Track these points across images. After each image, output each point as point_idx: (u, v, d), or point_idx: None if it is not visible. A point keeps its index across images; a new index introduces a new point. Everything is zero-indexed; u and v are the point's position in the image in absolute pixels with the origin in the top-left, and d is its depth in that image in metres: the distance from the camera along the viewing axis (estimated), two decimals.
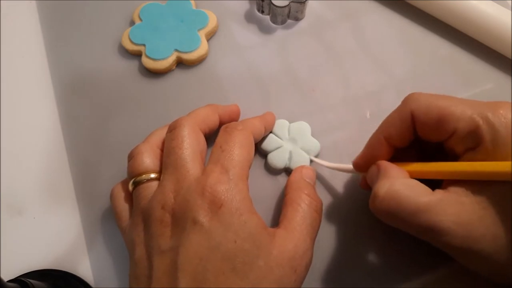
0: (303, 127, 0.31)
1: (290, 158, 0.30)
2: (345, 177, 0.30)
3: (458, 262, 0.22)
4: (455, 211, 0.20)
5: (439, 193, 0.21)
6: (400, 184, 0.21)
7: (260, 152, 0.30)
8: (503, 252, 0.20)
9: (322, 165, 0.29)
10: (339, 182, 0.30)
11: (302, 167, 0.28)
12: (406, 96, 0.24)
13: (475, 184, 0.21)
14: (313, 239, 0.25)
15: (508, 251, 0.20)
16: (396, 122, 0.24)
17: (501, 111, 0.20)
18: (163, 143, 0.27)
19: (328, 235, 0.28)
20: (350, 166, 0.27)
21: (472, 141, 0.21)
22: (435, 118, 0.22)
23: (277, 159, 0.30)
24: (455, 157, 0.23)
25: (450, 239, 0.20)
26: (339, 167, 0.28)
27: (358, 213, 0.29)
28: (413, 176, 0.23)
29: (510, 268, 0.20)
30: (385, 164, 0.23)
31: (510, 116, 0.20)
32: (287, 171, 0.30)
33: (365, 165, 0.25)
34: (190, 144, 0.25)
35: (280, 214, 0.25)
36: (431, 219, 0.20)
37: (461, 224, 0.20)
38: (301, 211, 0.25)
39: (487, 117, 0.21)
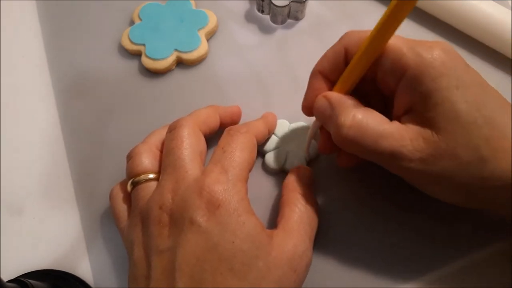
0: (302, 128, 0.30)
1: (286, 159, 0.30)
2: (342, 177, 0.30)
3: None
4: (412, 136, 0.22)
5: (395, 122, 0.23)
6: (362, 113, 0.23)
7: (259, 151, 0.30)
8: (462, 171, 0.21)
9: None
10: (336, 182, 0.30)
11: (299, 167, 0.28)
12: (343, 34, 0.25)
13: (423, 115, 0.22)
14: (312, 239, 0.25)
15: (468, 169, 0.21)
16: (329, 56, 0.25)
17: (428, 44, 0.22)
18: (162, 143, 0.27)
19: (327, 234, 0.28)
20: (316, 124, 0.27)
21: (399, 71, 0.22)
22: None
23: (274, 160, 0.30)
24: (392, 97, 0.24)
25: (409, 163, 0.22)
26: (310, 133, 0.28)
27: (356, 212, 0.29)
28: (349, 88, 0.24)
29: (472, 187, 0.22)
30: (334, 95, 0.24)
31: (439, 51, 0.22)
32: (284, 171, 0.30)
33: (311, 106, 0.26)
34: (190, 145, 0.25)
35: (278, 215, 0.25)
36: (393, 144, 0.22)
37: (418, 149, 0.22)
38: (298, 212, 0.25)
39: (413, 47, 0.22)
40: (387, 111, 0.24)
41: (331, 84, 0.25)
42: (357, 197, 0.29)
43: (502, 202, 0.22)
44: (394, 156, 0.22)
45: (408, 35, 0.23)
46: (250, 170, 0.25)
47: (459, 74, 0.22)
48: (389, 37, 0.22)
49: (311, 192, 0.27)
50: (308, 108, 0.26)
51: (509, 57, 0.33)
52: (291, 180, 0.27)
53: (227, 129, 0.26)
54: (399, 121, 0.23)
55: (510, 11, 0.32)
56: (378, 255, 0.27)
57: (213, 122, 0.28)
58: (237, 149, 0.24)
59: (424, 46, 0.22)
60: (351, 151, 0.24)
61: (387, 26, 0.21)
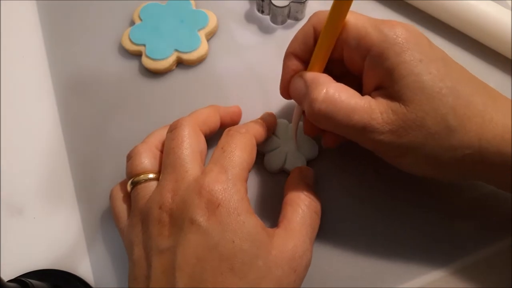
0: (302, 128, 0.30)
1: (286, 159, 0.30)
2: (342, 176, 0.30)
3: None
4: (382, 109, 0.22)
5: (366, 97, 0.23)
6: (334, 88, 0.23)
7: (259, 152, 0.30)
8: (431, 141, 0.22)
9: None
10: (337, 182, 0.30)
11: (301, 167, 0.28)
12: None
13: (390, 90, 0.23)
14: (313, 240, 0.25)
15: (436, 139, 0.22)
16: (299, 37, 0.25)
17: (391, 23, 0.23)
18: (162, 143, 0.27)
19: (327, 235, 0.28)
20: (298, 109, 0.27)
21: (364, 49, 0.23)
22: None
23: (274, 160, 0.30)
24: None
25: (380, 136, 0.22)
26: (294, 118, 0.28)
27: (357, 212, 0.29)
28: (320, 65, 0.25)
29: (443, 157, 0.22)
30: (309, 74, 0.25)
31: (401, 29, 0.22)
32: (284, 171, 0.30)
33: (288, 87, 0.26)
34: (190, 144, 0.25)
35: (280, 214, 0.25)
36: (364, 118, 0.22)
37: (387, 121, 0.22)
38: (300, 212, 0.25)
39: (376, 25, 0.23)
40: (359, 91, 0.25)
41: (305, 64, 0.26)
42: (357, 197, 0.29)
43: (473, 171, 0.23)
44: (366, 129, 0.22)
45: None
46: (249, 170, 0.25)
47: (422, 49, 0.22)
48: (346, 11, 0.22)
49: (313, 193, 0.27)
50: (285, 90, 0.27)
51: (509, 57, 0.33)
52: (294, 180, 0.27)
53: (227, 129, 0.26)
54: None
55: (510, 11, 0.32)
56: (378, 254, 0.28)
57: (213, 122, 0.28)
58: (237, 149, 0.24)
59: (387, 24, 0.23)
60: (324, 126, 0.24)
61: (341, 4, 0.22)
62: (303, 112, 0.27)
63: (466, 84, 0.23)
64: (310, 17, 0.25)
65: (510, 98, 0.24)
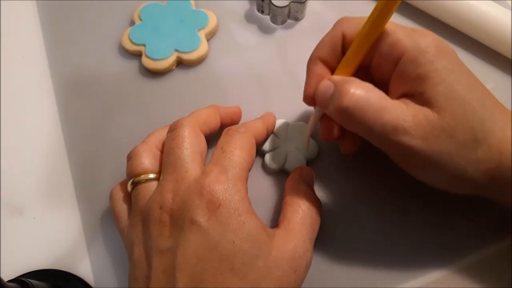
0: (302, 128, 0.30)
1: (286, 159, 0.30)
2: (343, 177, 0.30)
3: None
4: (414, 112, 0.22)
5: (395, 100, 0.23)
6: (364, 86, 0.23)
7: (258, 152, 0.30)
8: (459, 152, 0.22)
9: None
10: (337, 182, 0.30)
11: (301, 167, 0.28)
12: (338, 19, 0.25)
13: (421, 96, 0.22)
14: (313, 240, 0.25)
15: (464, 150, 0.22)
16: (327, 42, 0.25)
17: (421, 31, 0.23)
18: (163, 144, 0.27)
19: (327, 235, 0.28)
20: (317, 113, 0.27)
21: (396, 54, 0.23)
22: None
23: (274, 160, 0.30)
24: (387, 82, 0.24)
25: (410, 139, 0.22)
26: (311, 123, 0.28)
27: (357, 212, 0.29)
28: (351, 71, 0.25)
29: (467, 170, 0.22)
30: (338, 77, 0.24)
31: (432, 38, 0.23)
32: (284, 171, 0.30)
33: (313, 93, 0.26)
34: (190, 145, 0.25)
35: (280, 214, 0.25)
36: (395, 118, 0.22)
37: (419, 125, 0.22)
38: (301, 212, 0.25)
39: (408, 32, 0.23)
40: None
41: (331, 70, 0.26)
42: (357, 197, 0.29)
43: (490, 186, 0.23)
44: (397, 131, 0.22)
45: None
46: (249, 170, 0.25)
47: (452, 60, 0.23)
48: (387, 20, 0.22)
49: (313, 193, 0.27)
50: (309, 96, 0.26)
51: (509, 57, 0.33)
52: (294, 181, 0.27)
53: (226, 129, 0.26)
54: None
55: (510, 11, 0.32)
56: (378, 254, 0.28)
57: (214, 122, 0.28)
58: (236, 148, 0.24)
59: (418, 33, 0.23)
60: (351, 126, 0.23)
61: (386, 9, 0.22)
62: (321, 118, 0.27)
63: (489, 98, 0.23)
64: (338, 22, 0.25)
65: None
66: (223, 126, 0.29)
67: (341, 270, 0.27)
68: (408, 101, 0.23)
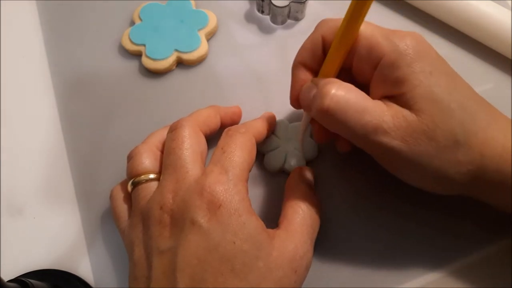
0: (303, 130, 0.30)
1: (286, 159, 0.29)
2: (343, 177, 0.30)
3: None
4: (393, 113, 0.22)
5: (377, 100, 0.23)
6: (344, 87, 0.23)
7: (258, 152, 0.30)
8: (439, 154, 0.22)
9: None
10: (337, 182, 0.30)
11: (301, 167, 0.28)
12: (318, 22, 0.25)
13: (400, 99, 0.22)
14: (313, 240, 0.25)
15: (444, 153, 0.22)
16: (308, 46, 0.25)
17: (401, 33, 0.23)
18: (163, 144, 0.27)
19: (327, 235, 0.28)
20: (305, 117, 0.27)
21: (375, 58, 0.23)
22: None
23: (273, 160, 0.30)
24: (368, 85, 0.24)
25: (391, 140, 0.22)
26: (301, 128, 0.28)
27: (357, 212, 0.29)
28: (332, 74, 0.25)
29: (448, 172, 0.22)
30: (320, 79, 0.24)
31: (411, 40, 0.22)
32: (284, 171, 0.30)
33: (298, 96, 0.26)
34: (190, 145, 0.25)
35: (280, 215, 0.25)
36: (376, 118, 0.22)
37: (399, 126, 0.22)
38: (301, 213, 0.25)
39: (387, 35, 0.23)
40: None
41: (314, 73, 0.26)
42: (357, 197, 0.29)
43: (474, 187, 0.23)
44: (377, 131, 0.22)
45: None
46: (250, 170, 0.25)
47: (431, 61, 0.23)
48: (361, 21, 0.22)
49: (314, 193, 0.27)
50: (295, 100, 0.26)
51: (509, 57, 0.33)
52: (294, 181, 0.27)
53: (226, 129, 0.26)
54: None
55: (510, 11, 0.32)
56: (378, 255, 0.28)
57: (214, 122, 0.28)
58: (237, 149, 0.24)
59: (397, 35, 0.23)
60: (332, 127, 0.23)
61: (358, 10, 0.22)
62: (311, 120, 0.27)
63: (471, 99, 0.23)
64: (318, 25, 0.25)
65: (510, 117, 0.24)
66: (223, 126, 0.29)
67: (341, 270, 0.27)
68: (388, 102, 0.23)
